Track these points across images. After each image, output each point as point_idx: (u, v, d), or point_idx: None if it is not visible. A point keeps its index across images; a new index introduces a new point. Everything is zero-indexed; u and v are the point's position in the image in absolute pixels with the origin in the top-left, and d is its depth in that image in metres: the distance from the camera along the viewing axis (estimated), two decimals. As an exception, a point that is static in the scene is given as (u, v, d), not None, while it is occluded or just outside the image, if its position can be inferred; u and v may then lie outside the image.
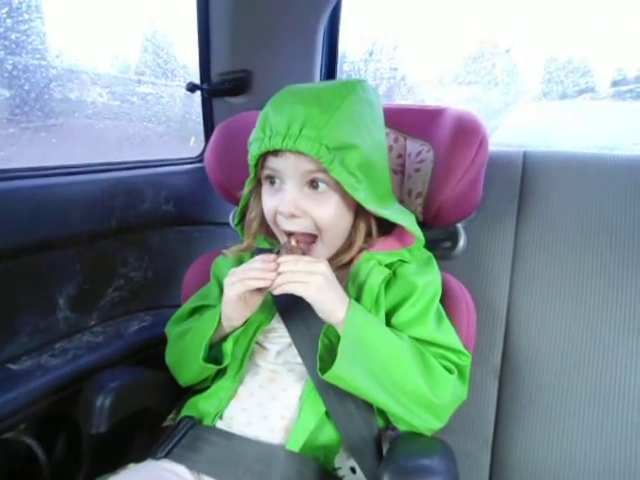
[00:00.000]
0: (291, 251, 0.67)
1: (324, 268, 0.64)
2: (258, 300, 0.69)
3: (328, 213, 0.68)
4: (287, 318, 0.73)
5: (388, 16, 1.60)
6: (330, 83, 0.70)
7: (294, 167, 0.66)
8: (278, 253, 0.67)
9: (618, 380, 0.84)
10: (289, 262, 0.64)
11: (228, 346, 0.71)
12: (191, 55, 1.15)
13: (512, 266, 0.93)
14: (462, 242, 0.84)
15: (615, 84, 1.66)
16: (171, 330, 0.83)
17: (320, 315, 0.64)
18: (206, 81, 1.14)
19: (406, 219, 0.71)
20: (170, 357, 0.80)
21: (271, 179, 0.69)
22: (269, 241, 0.78)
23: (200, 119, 1.20)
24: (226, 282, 0.67)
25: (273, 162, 0.67)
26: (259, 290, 0.66)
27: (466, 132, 0.74)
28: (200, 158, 1.21)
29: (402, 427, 0.68)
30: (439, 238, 0.84)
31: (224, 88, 1.13)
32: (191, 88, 1.11)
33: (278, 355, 0.74)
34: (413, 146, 0.82)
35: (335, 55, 1.34)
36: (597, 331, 0.86)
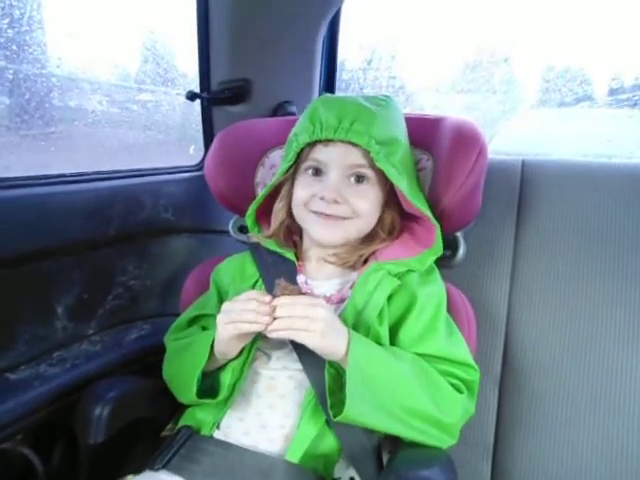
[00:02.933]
0: (286, 290, 0.63)
1: (323, 312, 0.61)
2: (251, 336, 0.67)
3: (367, 204, 0.72)
4: None
5: (387, 25, 1.61)
6: (368, 96, 0.75)
7: (341, 158, 0.70)
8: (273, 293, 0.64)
9: (619, 387, 0.84)
10: (286, 306, 0.61)
11: (226, 377, 0.70)
12: (191, 64, 1.16)
13: (511, 274, 0.93)
14: (462, 251, 0.84)
15: (612, 92, 1.67)
16: (169, 341, 0.82)
17: (322, 356, 0.63)
18: (206, 90, 1.15)
19: (433, 219, 0.73)
20: (167, 374, 0.79)
21: (314, 169, 0.72)
22: (279, 244, 0.78)
23: (200, 127, 1.20)
24: (219, 320, 0.66)
25: (321, 152, 0.71)
26: None
27: (465, 141, 0.74)
28: (200, 166, 1.21)
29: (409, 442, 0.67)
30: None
31: (224, 97, 1.14)
32: (191, 96, 1.12)
33: (277, 360, 0.73)
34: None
35: (334, 64, 1.35)
36: (597, 339, 0.86)
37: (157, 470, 0.67)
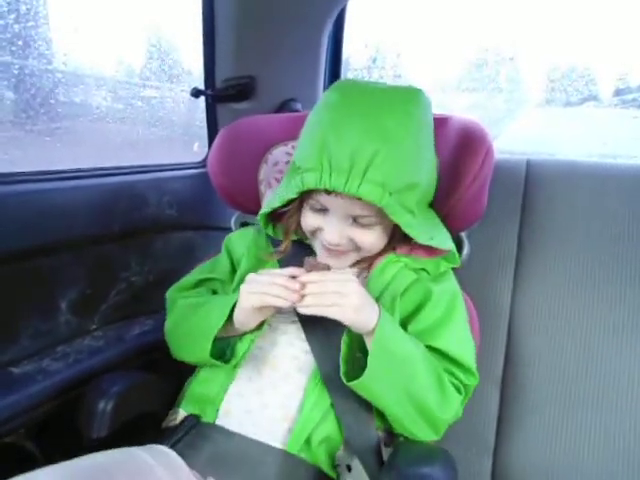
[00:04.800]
0: (315, 267, 0.63)
1: (356, 287, 0.61)
2: (272, 310, 0.67)
3: (371, 241, 0.68)
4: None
5: (392, 23, 1.61)
6: (392, 98, 0.64)
7: (346, 208, 0.64)
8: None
9: (622, 389, 0.84)
10: (317, 282, 0.60)
11: (241, 348, 0.70)
12: (196, 61, 1.16)
13: (515, 274, 0.93)
14: (466, 251, 0.84)
15: (618, 93, 1.66)
16: (174, 297, 0.81)
17: (352, 329, 0.63)
18: (210, 87, 1.15)
19: (449, 242, 0.71)
20: (170, 326, 0.78)
21: (317, 208, 0.67)
22: (300, 234, 0.76)
23: (204, 124, 1.20)
24: (242, 289, 0.65)
25: (323, 198, 0.65)
26: None
27: (472, 142, 0.74)
28: (203, 163, 1.22)
29: (397, 429, 0.68)
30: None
31: (228, 94, 1.14)
32: (195, 93, 1.12)
33: (283, 335, 0.72)
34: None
35: (339, 62, 1.35)
36: (601, 340, 0.86)
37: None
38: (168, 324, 0.80)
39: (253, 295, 0.63)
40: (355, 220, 0.66)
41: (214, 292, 0.82)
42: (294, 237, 0.76)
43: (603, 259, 0.89)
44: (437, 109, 0.74)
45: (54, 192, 0.90)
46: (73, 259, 0.92)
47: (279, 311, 0.70)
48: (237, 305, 0.66)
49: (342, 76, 1.37)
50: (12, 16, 0.96)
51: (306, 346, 0.70)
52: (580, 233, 0.91)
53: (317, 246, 0.72)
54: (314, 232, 0.70)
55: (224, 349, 0.73)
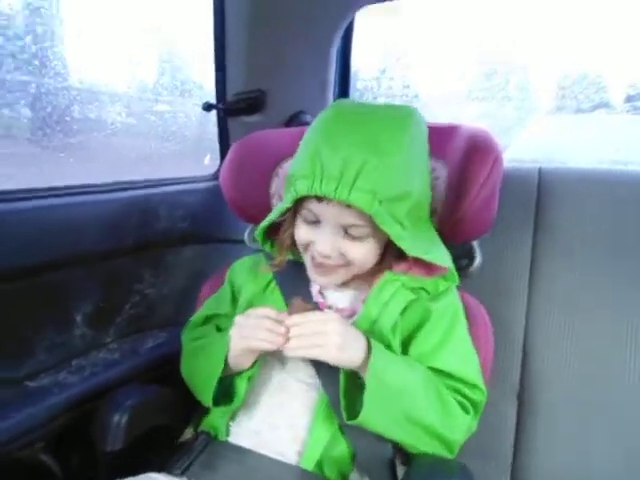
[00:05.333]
0: (300, 308, 0.65)
1: (336, 325, 0.62)
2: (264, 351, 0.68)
3: (362, 253, 0.67)
4: None
5: (401, 34, 1.62)
6: (383, 115, 0.66)
7: (337, 216, 0.64)
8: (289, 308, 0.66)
9: (640, 401, 0.82)
10: (300, 324, 0.62)
11: (241, 385, 0.71)
12: (207, 75, 1.18)
13: (529, 284, 0.92)
14: (478, 260, 0.83)
15: (629, 99, 1.65)
16: (186, 339, 0.83)
17: (340, 367, 0.64)
18: (222, 100, 1.16)
19: (446, 259, 0.70)
20: (185, 374, 0.80)
21: (311, 218, 0.67)
22: (295, 253, 0.76)
23: (215, 137, 1.22)
24: (232, 333, 0.67)
25: (316, 206, 0.65)
26: None
27: (480, 150, 0.74)
28: (215, 176, 1.23)
29: (412, 451, 0.67)
30: (455, 256, 0.83)
31: (239, 107, 1.15)
32: (207, 107, 1.13)
33: (289, 363, 0.73)
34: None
35: (348, 74, 1.36)
36: (618, 351, 0.85)
37: (177, 476, 0.68)
38: (182, 370, 0.81)
39: (241, 339, 0.65)
40: (347, 232, 0.66)
41: (219, 329, 0.82)
42: (290, 256, 0.77)
43: (619, 267, 0.87)
44: (447, 119, 0.74)
45: (68, 207, 0.91)
46: (87, 273, 0.94)
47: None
48: (230, 347, 0.68)
49: (351, 87, 1.38)
50: (29, 37, 0.99)
51: (312, 370, 0.70)
52: (595, 241, 0.90)
53: (308, 262, 0.72)
54: (307, 246, 0.70)
55: (228, 390, 0.73)
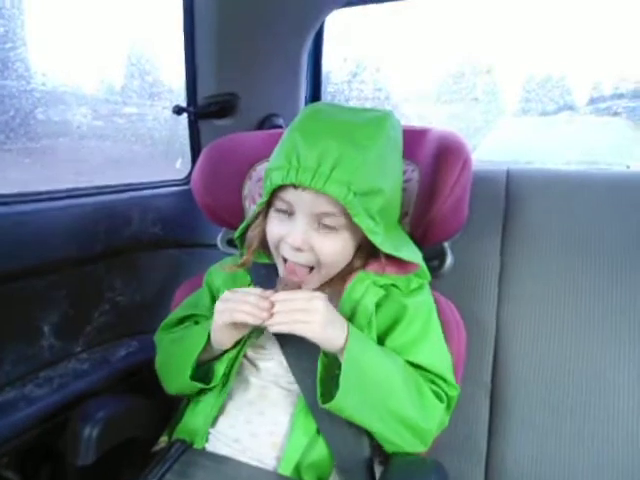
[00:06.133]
0: (287, 286, 0.66)
1: (321, 304, 0.62)
2: (247, 329, 0.68)
3: (334, 250, 0.68)
4: (280, 336, 0.72)
5: (371, 38, 1.64)
6: (361, 115, 0.67)
7: (311, 204, 0.64)
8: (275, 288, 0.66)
9: (610, 396, 0.85)
10: (285, 301, 0.62)
11: (220, 367, 0.71)
12: (177, 78, 1.16)
13: (499, 283, 0.94)
14: (449, 261, 0.85)
15: (593, 101, 1.71)
16: (160, 337, 0.82)
17: (321, 347, 0.64)
18: (192, 104, 1.15)
19: (417, 256, 0.72)
20: (159, 364, 0.79)
21: (284, 208, 0.68)
22: (268, 256, 0.76)
23: (186, 141, 1.20)
24: (216, 307, 0.67)
25: (291, 194, 0.65)
26: None
27: (450, 153, 0.75)
28: (187, 180, 1.21)
29: (386, 447, 0.68)
30: (426, 257, 0.85)
31: (210, 111, 1.14)
32: (178, 111, 1.12)
33: (267, 372, 0.73)
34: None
35: (319, 77, 1.37)
36: (586, 346, 0.87)
37: None
38: (157, 362, 0.80)
39: (225, 312, 0.65)
40: (319, 223, 0.66)
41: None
42: (266, 259, 0.76)
43: (586, 265, 0.90)
44: (417, 121, 0.75)
45: (35, 213, 0.88)
46: (54, 281, 0.91)
47: (258, 347, 0.74)
48: (212, 325, 0.68)
49: (323, 90, 1.39)
50: (-11, 39, 0.96)
51: (291, 377, 0.70)
52: (562, 240, 0.93)
53: (279, 264, 0.72)
54: (278, 244, 0.70)
55: (207, 373, 0.72)
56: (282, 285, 0.66)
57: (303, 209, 0.66)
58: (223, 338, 0.69)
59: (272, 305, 0.62)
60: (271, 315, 0.62)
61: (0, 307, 0.83)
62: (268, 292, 0.64)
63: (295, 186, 0.64)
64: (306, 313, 0.61)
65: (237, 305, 0.64)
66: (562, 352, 0.88)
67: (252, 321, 0.62)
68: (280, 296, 0.63)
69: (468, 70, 1.71)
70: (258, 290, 0.65)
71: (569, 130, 1.74)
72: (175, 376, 0.74)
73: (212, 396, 0.73)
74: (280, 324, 0.61)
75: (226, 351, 0.71)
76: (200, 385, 0.70)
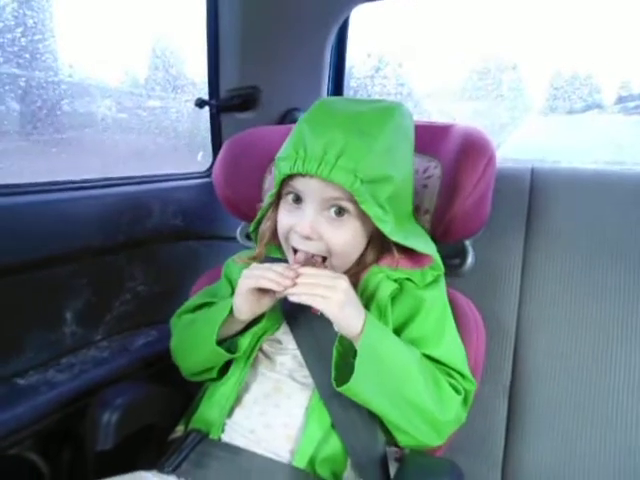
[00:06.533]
0: (312, 264, 0.67)
1: (344, 284, 0.63)
2: (269, 302, 0.69)
3: (344, 239, 0.67)
4: (295, 328, 0.73)
5: (395, 32, 1.62)
6: (369, 105, 0.68)
7: (319, 191, 0.65)
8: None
9: (635, 400, 0.83)
10: (310, 275, 0.63)
11: (245, 340, 0.72)
12: (200, 71, 1.17)
13: (521, 283, 0.92)
14: (470, 259, 0.83)
15: (621, 100, 1.66)
16: (177, 321, 0.83)
17: (337, 329, 0.64)
18: (215, 97, 1.15)
19: (429, 248, 0.71)
20: (176, 344, 0.80)
21: (293, 197, 0.69)
22: (281, 251, 0.76)
23: (208, 134, 1.21)
24: (243, 274, 0.68)
25: (299, 182, 0.66)
26: (273, 291, 0.65)
27: (474, 149, 0.74)
28: (208, 173, 1.22)
29: (401, 439, 0.68)
30: (447, 255, 0.84)
31: (232, 104, 1.15)
32: (200, 104, 1.12)
33: (283, 366, 0.74)
34: (420, 162, 0.82)
35: (342, 71, 1.36)
36: (608, 349, 0.85)
37: (167, 473, 0.67)
38: (173, 342, 0.81)
39: (251, 278, 0.66)
40: (329, 212, 0.66)
41: None
42: (278, 254, 0.77)
43: (611, 266, 0.88)
44: (440, 117, 0.74)
45: (59, 203, 0.90)
46: (77, 270, 0.93)
47: (273, 341, 0.75)
48: (236, 290, 0.68)
49: (345, 85, 1.38)
50: (19, 30, 0.98)
51: (307, 371, 0.71)
52: (586, 241, 0.91)
53: (289, 256, 0.72)
54: (288, 235, 0.70)
55: (229, 349, 0.73)
56: (307, 262, 0.67)
57: (311, 196, 0.66)
58: (244, 305, 0.68)
59: (297, 276, 0.63)
60: (294, 285, 0.62)
61: (25, 294, 0.85)
62: (295, 265, 0.65)
63: (303, 175, 0.65)
64: (328, 289, 0.62)
65: (263, 272, 0.65)
66: (585, 354, 0.86)
67: (275, 287, 0.63)
68: (307, 270, 0.64)
69: (493, 66, 1.68)
70: (285, 264, 0.66)
71: (597, 129, 1.69)
72: (195, 351, 0.75)
73: (227, 387, 0.73)
74: (301, 294, 0.62)
75: (247, 328, 0.72)
76: (224, 352, 0.71)
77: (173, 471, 0.67)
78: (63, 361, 0.90)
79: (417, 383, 0.64)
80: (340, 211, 0.66)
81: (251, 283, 0.66)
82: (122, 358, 0.95)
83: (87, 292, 0.94)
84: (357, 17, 1.29)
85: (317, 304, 0.61)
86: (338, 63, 1.34)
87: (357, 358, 0.61)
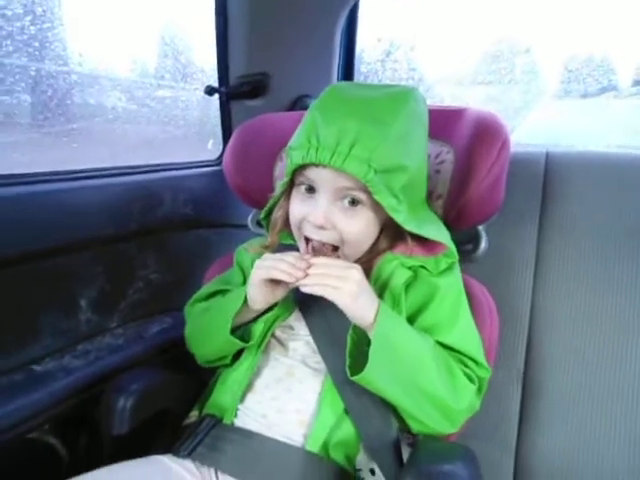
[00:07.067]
0: (324, 254, 0.67)
1: (357, 275, 0.62)
2: (282, 292, 0.69)
3: (358, 229, 0.67)
4: (308, 315, 0.73)
5: (405, 16, 1.59)
6: (382, 91, 0.66)
7: (332, 181, 0.64)
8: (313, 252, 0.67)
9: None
10: (322, 265, 0.63)
11: (258, 327, 0.72)
12: (209, 59, 1.16)
13: (535, 268, 0.91)
14: (483, 244, 0.82)
15: (637, 83, 1.62)
16: (190, 310, 0.84)
17: (350, 319, 0.64)
18: (224, 84, 1.15)
19: (443, 235, 0.70)
20: (190, 331, 0.81)
21: (306, 187, 0.68)
22: (293, 237, 0.76)
23: (218, 122, 1.21)
24: (256, 264, 0.68)
25: (312, 172, 0.65)
26: (285, 282, 0.65)
27: (488, 133, 0.73)
28: (218, 161, 1.22)
29: (414, 427, 0.68)
30: (460, 240, 0.83)
31: (242, 91, 1.14)
32: (209, 91, 1.12)
33: (295, 352, 0.74)
34: (433, 147, 0.81)
35: (352, 56, 1.34)
36: (623, 335, 0.84)
37: (182, 457, 0.68)
38: (187, 330, 0.82)
39: (263, 269, 0.66)
40: (342, 202, 0.66)
41: None
42: (291, 241, 0.76)
43: (624, 253, 0.87)
44: (453, 102, 0.73)
45: (71, 192, 0.91)
46: (91, 258, 0.94)
47: (286, 327, 0.75)
48: (249, 280, 0.69)
49: (356, 70, 1.36)
50: (28, 18, 0.97)
51: (319, 357, 0.71)
52: (601, 226, 0.89)
53: (301, 245, 0.72)
54: (300, 224, 0.70)
55: (242, 336, 0.73)
56: (317, 253, 0.67)
57: (324, 186, 0.65)
58: (257, 296, 0.69)
59: (309, 267, 0.63)
60: (306, 276, 0.62)
61: (40, 282, 0.86)
62: (307, 255, 0.65)
63: (316, 165, 0.64)
64: (340, 280, 0.61)
65: (275, 263, 0.65)
66: (600, 340, 0.85)
67: (287, 278, 0.63)
68: (319, 260, 0.64)
69: (506, 49, 1.65)
70: (297, 253, 0.66)
71: (612, 112, 1.66)
72: (209, 340, 0.75)
73: (239, 373, 0.74)
74: (313, 285, 0.62)
75: (260, 315, 0.72)
76: (237, 341, 0.71)
77: (188, 455, 0.68)
78: (79, 348, 0.92)
79: (431, 372, 0.64)
80: (354, 202, 0.65)
81: (263, 274, 0.66)
82: (137, 345, 0.97)
83: (101, 280, 0.95)
84: (367, 1, 1.27)
85: (329, 295, 0.61)
86: (348, 48, 1.32)
87: (370, 348, 0.61)
